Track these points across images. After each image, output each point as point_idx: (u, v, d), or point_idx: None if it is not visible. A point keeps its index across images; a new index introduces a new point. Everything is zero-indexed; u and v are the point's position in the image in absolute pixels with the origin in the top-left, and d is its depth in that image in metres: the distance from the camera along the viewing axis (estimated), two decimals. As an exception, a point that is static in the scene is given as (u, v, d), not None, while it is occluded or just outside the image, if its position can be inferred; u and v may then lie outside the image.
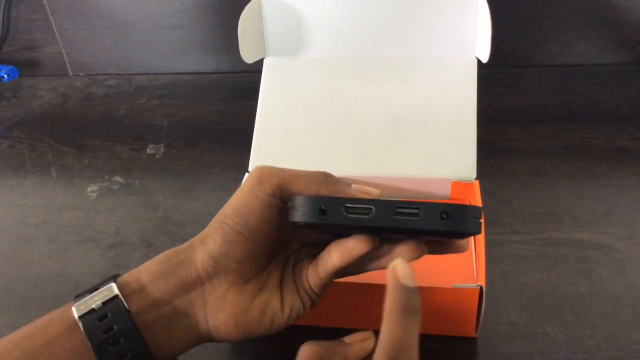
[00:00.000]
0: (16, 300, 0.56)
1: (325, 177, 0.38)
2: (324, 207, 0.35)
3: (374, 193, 0.39)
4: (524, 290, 0.52)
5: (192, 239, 0.39)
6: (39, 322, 0.37)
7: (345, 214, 0.34)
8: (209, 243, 0.37)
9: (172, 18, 0.84)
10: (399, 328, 0.31)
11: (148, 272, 0.38)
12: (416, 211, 0.34)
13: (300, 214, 0.35)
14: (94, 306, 0.36)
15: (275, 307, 0.38)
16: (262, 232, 0.38)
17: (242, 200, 0.38)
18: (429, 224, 0.33)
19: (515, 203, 0.61)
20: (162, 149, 0.74)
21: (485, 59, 0.56)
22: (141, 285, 0.37)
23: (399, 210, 0.34)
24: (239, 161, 0.61)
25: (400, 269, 0.32)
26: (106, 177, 0.70)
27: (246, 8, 0.59)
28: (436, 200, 0.57)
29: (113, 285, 0.37)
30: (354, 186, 0.39)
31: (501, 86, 0.79)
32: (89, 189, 0.69)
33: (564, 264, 0.54)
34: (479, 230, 0.34)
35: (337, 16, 0.60)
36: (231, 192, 0.59)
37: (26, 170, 0.73)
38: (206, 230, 0.38)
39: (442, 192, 0.56)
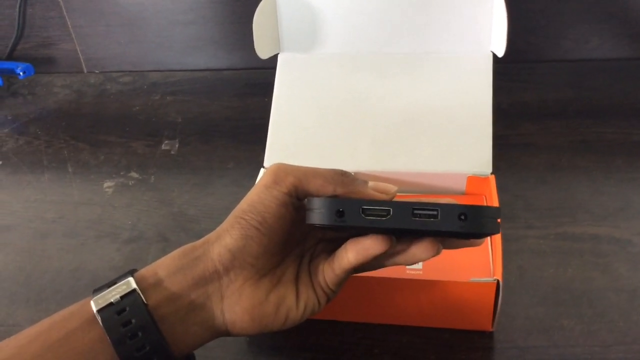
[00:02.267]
0: (34, 294, 0.57)
1: (342, 176, 0.38)
2: (341, 209, 0.35)
3: (392, 190, 0.39)
4: (540, 285, 0.51)
5: (208, 235, 0.39)
6: (57, 316, 0.37)
7: (363, 216, 0.35)
8: (226, 237, 0.38)
9: (186, 15, 0.85)
10: None
11: (165, 267, 0.38)
12: (434, 212, 0.34)
13: (317, 216, 0.36)
14: (112, 300, 0.36)
15: (290, 302, 0.39)
16: (278, 228, 0.38)
17: (258, 197, 0.38)
18: (447, 225, 0.33)
19: (530, 198, 0.61)
20: (176, 145, 0.75)
21: (500, 53, 0.56)
22: (158, 280, 0.37)
23: (416, 212, 0.34)
24: (253, 157, 0.61)
25: None
26: (122, 173, 0.71)
27: (261, 4, 0.59)
28: (453, 198, 0.57)
29: (131, 279, 0.37)
30: (370, 184, 0.39)
31: (516, 81, 0.78)
32: (105, 185, 0.70)
33: (580, 258, 0.54)
34: (496, 231, 0.34)
35: (351, 11, 0.60)
36: (246, 187, 0.59)
37: (43, 166, 0.74)
38: (223, 225, 0.39)
39: (458, 187, 0.56)
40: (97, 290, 0.38)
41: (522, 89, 0.77)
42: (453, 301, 0.46)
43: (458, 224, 0.33)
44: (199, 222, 0.63)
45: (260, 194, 0.38)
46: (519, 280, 0.52)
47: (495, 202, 0.51)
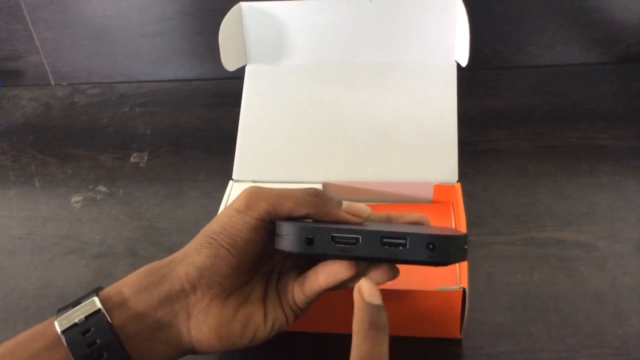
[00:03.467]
0: (1, 313, 0.56)
1: (314, 197, 0.38)
2: (310, 237, 0.35)
3: (365, 214, 0.39)
4: (507, 291, 0.52)
5: (175, 254, 0.39)
6: (22, 336, 0.37)
7: (332, 243, 0.35)
8: (194, 256, 0.38)
9: (154, 26, 0.84)
10: (367, 345, 0.32)
11: (131, 285, 0.38)
12: (403, 241, 0.34)
13: (286, 242, 0.36)
14: (76, 320, 0.36)
15: (257, 320, 0.39)
16: (249, 251, 0.38)
17: (230, 220, 0.38)
18: (416, 254, 0.34)
19: (497, 204, 0.61)
20: (146, 157, 0.74)
21: (464, 62, 0.57)
22: (124, 299, 0.37)
23: (385, 240, 0.34)
24: (223, 168, 0.61)
25: (365, 288, 0.33)
26: (90, 187, 0.70)
27: (226, 16, 0.59)
28: (420, 207, 0.57)
29: (95, 299, 0.37)
30: (344, 205, 0.39)
31: (482, 88, 0.79)
32: (73, 200, 0.69)
33: (547, 263, 0.54)
34: (464, 259, 0.35)
35: (317, 22, 0.61)
36: (216, 199, 0.59)
37: (9, 181, 0.73)
38: (191, 244, 0.39)
39: (425, 195, 0.56)
40: (62, 310, 0.37)
41: (490, 96, 0.78)
42: (421, 310, 0.46)
43: (426, 253, 0.34)
44: (169, 235, 0.62)
45: (232, 217, 0.38)
46: (486, 287, 0.52)
47: (462, 210, 0.51)
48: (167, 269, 0.38)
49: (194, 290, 0.37)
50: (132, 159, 0.74)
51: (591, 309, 0.50)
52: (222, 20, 0.59)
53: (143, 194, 0.68)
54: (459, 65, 0.59)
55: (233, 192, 0.57)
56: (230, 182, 0.58)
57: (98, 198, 0.69)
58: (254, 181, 0.58)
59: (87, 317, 0.36)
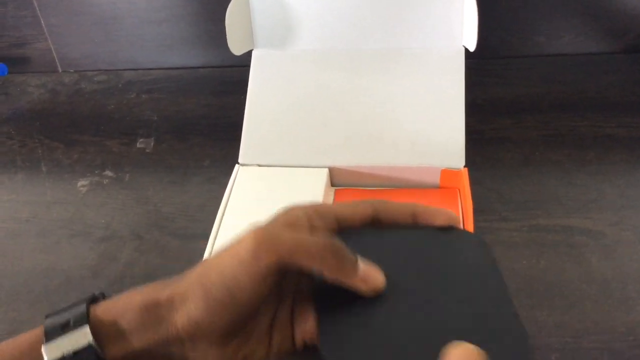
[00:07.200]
0: (6, 295, 0.56)
1: (331, 256, 0.33)
2: None
3: (380, 286, 0.34)
4: (514, 277, 0.52)
5: (175, 285, 0.35)
6: (6, 348, 0.34)
7: None
8: (190, 306, 0.34)
9: (160, 13, 0.84)
10: None
11: (127, 320, 0.34)
12: None
13: None
14: (64, 353, 0.33)
15: (260, 355, 0.36)
16: (252, 301, 0.34)
17: (232, 272, 0.33)
18: None
19: (504, 191, 0.61)
20: (152, 143, 0.74)
21: (472, 47, 0.56)
22: (118, 331, 0.34)
23: None
24: (229, 154, 0.61)
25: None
26: (96, 172, 0.70)
27: (233, 0, 0.59)
28: (426, 191, 0.57)
29: (87, 331, 0.33)
30: (360, 270, 0.34)
31: (490, 77, 0.79)
32: (79, 184, 0.69)
33: (553, 250, 0.54)
34: None
35: (324, 7, 0.60)
36: (221, 185, 0.58)
37: (16, 166, 0.73)
38: (188, 287, 0.34)
39: (432, 180, 0.56)
40: (49, 333, 0.34)
41: (497, 84, 0.78)
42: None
43: None
44: (174, 220, 0.62)
45: (234, 268, 0.33)
46: (492, 273, 0.52)
47: (468, 195, 0.51)
48: (165, 311, 0.34)
49: (192, 339, 0.34)
50: (138, 145, 0.74)
51: (598, 295, 0.50)
52: (227, 6, 0.59)
53: (149, 179, 0.68)
54: (467, 54, 0.59)
55: (239, 175, 0.57)
56: (237, 165, 0.58)
57: (104, 183, 0.69)
58: (259, 165, 0.58)
59: (75, 353, 0.33)
